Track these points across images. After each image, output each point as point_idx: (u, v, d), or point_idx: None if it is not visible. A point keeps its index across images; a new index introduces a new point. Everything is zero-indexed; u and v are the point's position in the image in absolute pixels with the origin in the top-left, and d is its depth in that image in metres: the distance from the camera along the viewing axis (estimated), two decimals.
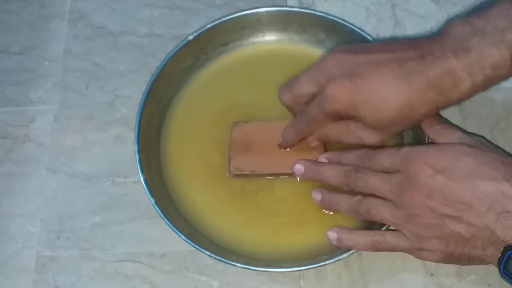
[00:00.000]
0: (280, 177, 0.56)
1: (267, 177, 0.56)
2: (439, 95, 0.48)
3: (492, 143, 0.51)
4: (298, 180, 0.55)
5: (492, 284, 0.52)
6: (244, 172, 0.56)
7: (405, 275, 0.52)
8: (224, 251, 0.53)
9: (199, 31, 0.60)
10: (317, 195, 0.53)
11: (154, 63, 0.59)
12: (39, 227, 0.57)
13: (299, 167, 0.54)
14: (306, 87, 0.51)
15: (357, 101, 0.48)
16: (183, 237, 0.51)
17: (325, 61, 0.50)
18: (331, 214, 0.54)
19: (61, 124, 0.61)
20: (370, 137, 0.51)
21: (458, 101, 0.49)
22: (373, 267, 0.53)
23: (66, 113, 0.62)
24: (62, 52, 0.65)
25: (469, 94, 0.48)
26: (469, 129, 0.58)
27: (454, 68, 0.47)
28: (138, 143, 0.55)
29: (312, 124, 0.52)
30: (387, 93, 0.48)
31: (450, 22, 0.49)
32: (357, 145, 0.52)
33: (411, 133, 0.56)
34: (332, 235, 0.51)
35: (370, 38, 0.59)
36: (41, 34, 0.66)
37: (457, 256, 0.47)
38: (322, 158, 0.54)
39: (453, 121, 0.57)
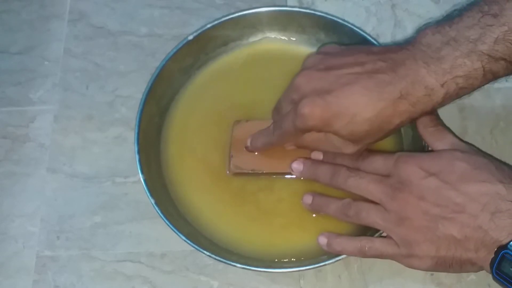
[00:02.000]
0: (280, 176, 0.56)
1: (267, 176, 0.56)
2: (411, 106, 0.47)
3: (483, 151, 0.51)
4: (302, 178, 0.55)
5: (492, 284, 0.51)
6: (244, 171, 0.56)
7: (405, 275, 0.52)
8: (224, 251, 0.53)
9: (199, 31, 0.60)
10: (308, 199, 0.53)
11: (154, 63, 0.59)
12: (39, 227, 0.57)
13: (297, 166, 0.54)
14: (286, 109, 0.52)
15: (329, 117, 0.48)
16: (183, 237, 0.51)
17: (297, 80, 0.51)
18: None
19: (61, 124, 0.61)
20: (347, 148, 0.51)
21: (432, 111, 0.49)
22: (373, 267, 0.53)
23: (66, 113, 0.62)
24: (62, 52, 0.65)
25: (442, 104, 0.48)
26: (469, 129, 0.58)
27: (426, 78, 0.46)
28: (138, 143, 0.55)
29: (284, 137, 0.53)
30: (359, 106, 0.48)
31: (421, 31, 0.48)
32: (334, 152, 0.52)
33: (411, 133, 0.56)
34: (322, 240, 0.51)
35: (370, 38, 0.59)
36: (41, 34, 0.66)
37: (448, 261, 0.47)
38: (318, 153, 0.54)
39: (453, 121, 0.57)
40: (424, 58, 0.47)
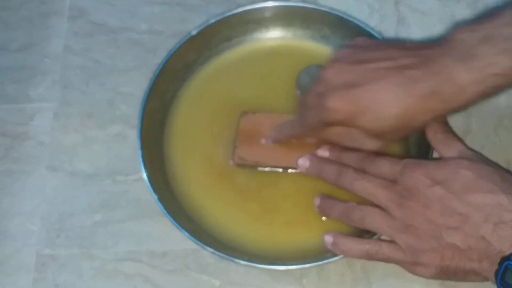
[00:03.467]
0: (283, 170, 0.56)
1: (270, 169, 0.56)
2: (441, 103, 0.47)
3: (489, 159, 0.51)
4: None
5: None
6: (247, 162, 0.56)
7: (409, 274, 0.52)
8: (227, 248, 0.53)
9: (203, 26, 0.60)
10: (316, 201, 0.53)
11: (155, 60, 0.59)
12: (39, 225, 0.56)
13: (303, 162, 0.54)
14: (312, 101, 0.51)
15: (356, 111, 0.48)
16: (186, 234, 0.51)
17: (326, 73, 0.50)
18: None
19: (61, 121, 0.61)
20: (370, 143, 0.51)
21: (462, 109, 0.48)
22: (376, 265, 0.52)
23: (66, 111, 0.62)
24: (62, 49, 0.65)
25: (473, 102, 0.47)
26: (474, 127, 0.58)
27: (459, 76, 0.46)
28: (141, 138, 0.55)
29: (308, 130, 0.53)
30: (387, 101, 0.47)
31: (456, 28, 0.48)
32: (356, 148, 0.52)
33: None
34: (328, 238, 0.51)
35: (374, 33, 0.58)
36: (41, 31, 0.66)
37: (452, 271, 0.46)
38: (324, 150, 0.54)
39: (457, 119, 0.57)
40: (458, 55, 0.46)
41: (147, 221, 0.56)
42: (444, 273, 0.47)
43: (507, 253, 0.43)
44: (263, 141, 0.56)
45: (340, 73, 0.49)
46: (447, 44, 0.47)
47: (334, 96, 0.48)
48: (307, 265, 0.51)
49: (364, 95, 0.48)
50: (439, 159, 0.50)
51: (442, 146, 0.51)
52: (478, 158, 0.49)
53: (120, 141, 0.60)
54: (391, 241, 0.48)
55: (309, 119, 0.52)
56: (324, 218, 0.54)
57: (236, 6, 0.62)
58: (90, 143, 0.60)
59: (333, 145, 0.54)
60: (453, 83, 0.46)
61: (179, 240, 0.51)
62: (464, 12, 0.64)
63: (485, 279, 0.46)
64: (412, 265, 0.48)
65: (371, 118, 0.48)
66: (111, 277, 0.54)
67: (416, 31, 0.64)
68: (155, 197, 0.52)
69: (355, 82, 0.48)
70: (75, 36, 0.65)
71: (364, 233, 0.51)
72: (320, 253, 0.51)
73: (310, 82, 0.58)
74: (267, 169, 0.56)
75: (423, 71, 0.47)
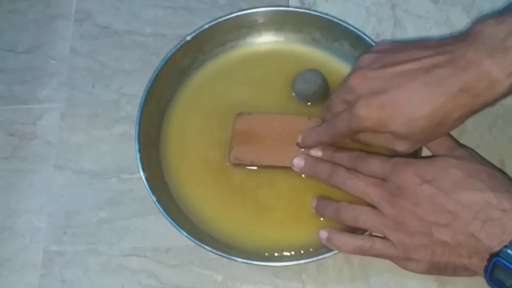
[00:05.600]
0: (279, 169, 0.56)
1: (266, 168, 0.57)
2: (473, 99, 0.46)
3: (480, 156, 0.51)
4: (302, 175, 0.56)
5: None
6: (243, 162, 0.56)
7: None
8: (225, 246, 0.54)
9: (197, 32, 0.60)
10: (314, 202, 0.54)
11: (159, 62, 0.60)
12: (46, 222, 0.57)
13: (298, 162, 0.54)
14: (339, 108, 0.51)
15: (386, 117, 0.47)
16: (184, 233, 0.52)
17: (350, 80, 0.49)
18: None
19: (67, 122, 0.62)
20: (401, 146, 0.50)
21: (493, 103, 0.47)
22: (374, 261, 0.53)
23: (72, 111, 0.62)
24: (68, 51, 0.65)
25: (505, 96, 0.46)
26: (468, 127, 0.59)
27: (491, 70, 0.45)
28: (139, 142, 0.56)
29: (337, 137, 0.52)
30: (416, 103, 0.46)
31: (481, 22, 0.46)
32: (386, 149, 0.51)
33: None
34: (323, 233, 0.51)
35: (363, 36, 0.59)
36: (47, 33, 0.67)
37: (443, 266, 0.47)
38: (317, 150, 0.55)
39: None
40: (488, 49, 0.45)
41: (151, 218, 0.57)
42: (435, 269, 0.48)
43: (496, 249, 0.44)
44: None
45: (365, 80, 0.48)
46: (473, 39, 0.46)
47: (363, 104, 0.47)
48: (302, 261, 0.51)
49: (392, 100, 0.47)
50: (429, 157, 0.51)
51: (433, 144, 0.52)
52: (470, 155, 0.50)
53: (125, 141, 0.61)
54: (384, 237, 0.49)
55: (338, 127, 0.51)
56: (321, 219, 0.54)
57: (238, 10, 0.62)
58: (96, 142, 0.61)
59: (326, 145, 0.55)
60: (484, 78, 0.45)
61: (182, 236, 0.52)
62: (459, 15, 0.65)
63: (475, 274, 0.47)
64: (404, 261, 0.48)
65: (401, 122, 0.47)
66: (116, 273, 0.55)
67: (412, 33, 0.64)
68: (154, 198, 0.53)
69: (381, 88, 0.47)
70: (81, 38, 0.66)
71: (356, 229, 0.52)
72: (315, 250, 0.52)
73: (305, 86, 0.59)
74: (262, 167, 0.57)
75: (450, 69, 0.46)
